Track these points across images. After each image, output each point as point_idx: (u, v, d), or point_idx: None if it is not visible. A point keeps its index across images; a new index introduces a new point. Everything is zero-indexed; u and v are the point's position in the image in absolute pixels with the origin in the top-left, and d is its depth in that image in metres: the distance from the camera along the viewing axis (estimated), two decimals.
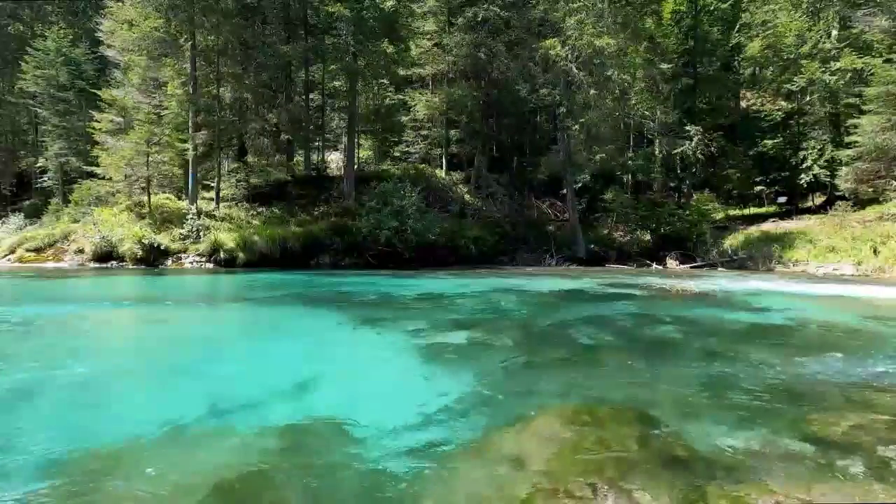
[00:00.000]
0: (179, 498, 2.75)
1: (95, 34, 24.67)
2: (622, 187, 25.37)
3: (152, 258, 17.06)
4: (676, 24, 25.09)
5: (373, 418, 3.86)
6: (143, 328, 8.11)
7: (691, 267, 19.77)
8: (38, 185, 28.36)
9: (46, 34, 28.04)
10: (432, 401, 4.18)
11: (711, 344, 6.61)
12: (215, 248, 17.35)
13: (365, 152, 29.16)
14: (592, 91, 20.88)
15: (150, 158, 19.02)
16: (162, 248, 17.33)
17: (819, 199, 24.02)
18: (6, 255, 18.69)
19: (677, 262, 20.54)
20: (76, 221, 20.27)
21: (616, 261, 21.10)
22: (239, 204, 20.97)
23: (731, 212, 25.57)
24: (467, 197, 24.59)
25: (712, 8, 25.77)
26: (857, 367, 5.21)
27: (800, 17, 22.74)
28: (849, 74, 21.05)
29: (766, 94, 27.40)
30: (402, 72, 24.67)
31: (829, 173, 21.90)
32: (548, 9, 21.71)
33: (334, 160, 27.96)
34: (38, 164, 28.07)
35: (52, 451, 3.26)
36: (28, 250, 18.60)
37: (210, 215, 19.19)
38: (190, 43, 19.28)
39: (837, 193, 21.64)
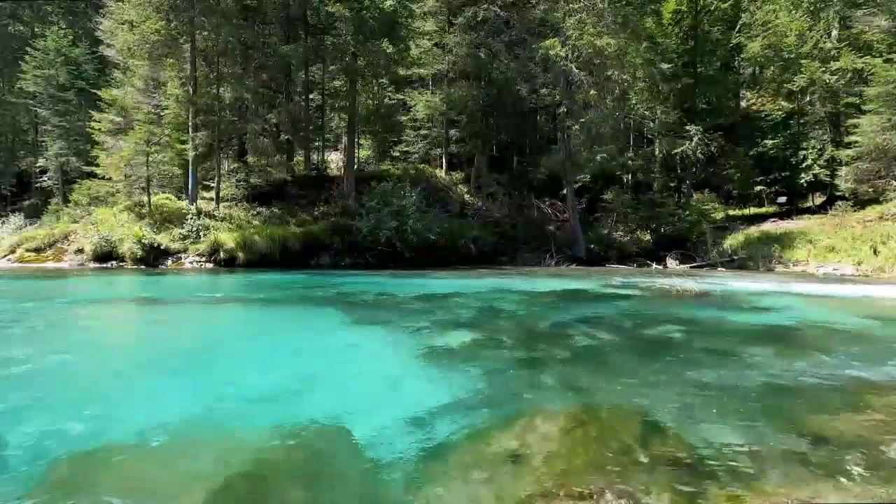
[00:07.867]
0: (177, 499, 2.75)
1: (95, 34, 24.70)
2: (622, 187, 25.39)
3: (152, 258, 17.06)
4: (676, 24, 25.11)
5: (372, 418, 3.86)
6: (141, 328, 8.11)
7: (691, 267, 19.76)
8: (38, 185, 28.37)
9: (46, 34, 28.05)
10: (432, 400, 4.18)
11: (711, 344, 6.60)
12: (215, 248, 17.34)
13: (365, 152, 29.16)
14: (592, 91, 20.88)
15: (150, 158, 19.00)
16: (162, 247, 17.33)
17: (819, 199, 24.02)
18: (6, 255, 18.69)
19: (677, 262, 20.54)
20: (76, 221, 20.27)
21: (616, 261, 21.10)
22: (239, 204, 20.96)
23: (731, 212, 25.57)
24: (467, 197, 24.59)
25: (712, 8, 25.77)
26: (858, 367, 5.21)
27: (800, 16, 22.73)
28: (849, 74, 21.06)
29: (766, 94, 27.41)
30: (402, 72, 24.67)
31: (829, 173, 21.92)
32: (548, 9, 21.71)
33: (334, 160, 27.97)
34: (38, 164, 28.10)
35: (48, 452, 3.26)
36: (28, 250, 18.60)
37: (210, 215, 19.17)
38: (190, 44, 19.28)
39: (837, 193, 21.64)
